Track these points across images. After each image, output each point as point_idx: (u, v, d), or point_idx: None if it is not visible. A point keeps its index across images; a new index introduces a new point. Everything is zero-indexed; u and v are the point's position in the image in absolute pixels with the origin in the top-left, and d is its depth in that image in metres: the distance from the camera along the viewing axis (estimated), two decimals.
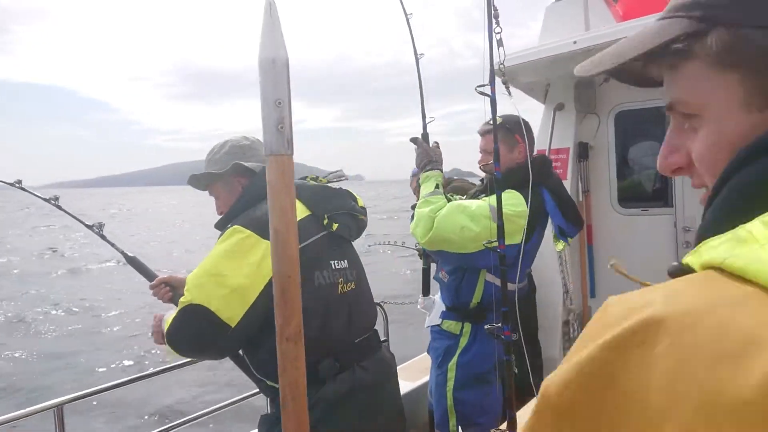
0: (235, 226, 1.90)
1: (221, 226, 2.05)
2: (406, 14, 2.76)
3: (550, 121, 4.00)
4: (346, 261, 2.12)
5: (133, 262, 2.41)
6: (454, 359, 2.75)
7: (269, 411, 2.22)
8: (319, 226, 2.07)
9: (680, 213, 3.73)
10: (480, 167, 2.86)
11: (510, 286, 2.42)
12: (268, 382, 1.99)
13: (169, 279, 2.31)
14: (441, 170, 2.72)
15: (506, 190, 2.49)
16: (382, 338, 3.51)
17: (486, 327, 2.24)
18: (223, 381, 7.79)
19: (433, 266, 3.03)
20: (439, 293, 3.00)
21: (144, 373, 2.74)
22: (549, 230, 3.70)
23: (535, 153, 3.03)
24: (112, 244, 2.47)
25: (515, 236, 2.44)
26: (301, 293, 1.89)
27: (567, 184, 3.91)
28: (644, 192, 4.09)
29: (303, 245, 1.92)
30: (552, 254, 3.72)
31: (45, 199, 2.50)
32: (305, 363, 1.92)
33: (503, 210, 2.25)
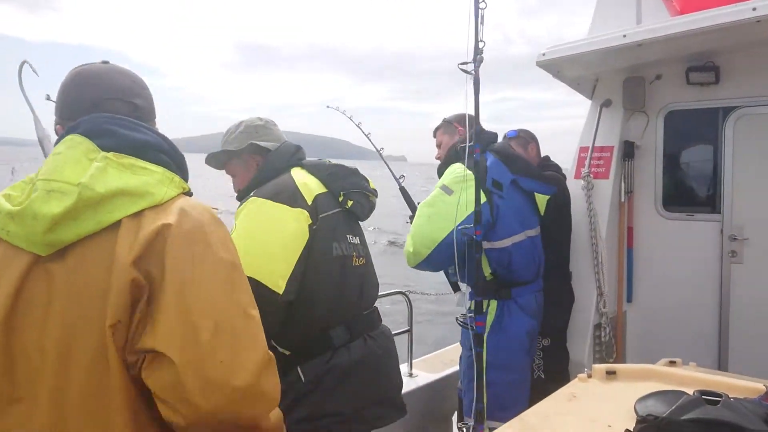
0: (257, 198, 1.99)
1: (242, 197, 2.14)
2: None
3: (596, 118, 3.86)
4: (357, 238, 2.23)
5: None
6: (484, 338, 2.74)
7: None
8: (336, 202, 2.17)
9: (728, 220, 3.55)
10: (435, 158, 3.20)
11: (497, 245, 2.80)
12: (280, 350, 2.03)
13: None
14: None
15: (450, 165, 2.85)
16: (406, 327, 3.50)
17: (457, 317, 2.50)
18: None
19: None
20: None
21: None
22: (583, 230, 3.61)
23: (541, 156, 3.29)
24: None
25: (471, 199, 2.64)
26: (321, 262, 1.98)
27: (609, 183, 3.78)
28: (691, 196, 3.90)
29: (324, 215, 2.07)
30: (587, 255, 3.61)
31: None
32: (318, 330, 1.98)
33: (448, 180, 2.70)
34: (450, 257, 2.69)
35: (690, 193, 3.91)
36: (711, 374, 1.97)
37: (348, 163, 2.38)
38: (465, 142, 2.76)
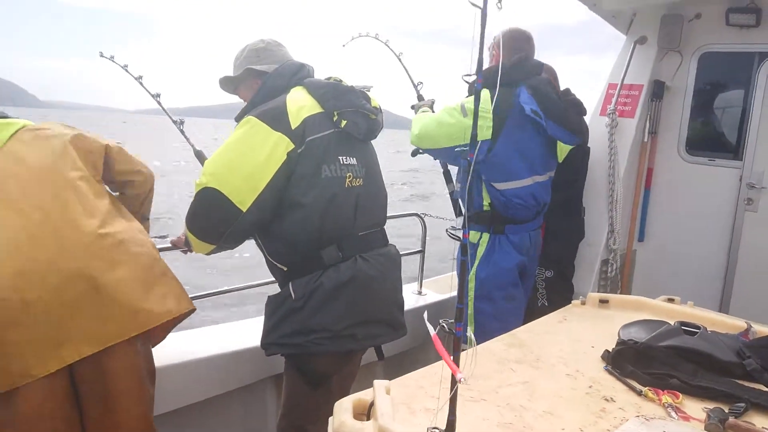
0: (249, 117, 2.05)
1: (238, 119, 2.17)
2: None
3: (629, 55, 3.80)
4: (354, 158, 2.21)
5: (199, 155, 2.62)
6: (473, 271, 2.88)
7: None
8: (330, 122, 2.15)
9: (748, 168, 3.55)
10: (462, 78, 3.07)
11: (498, 186, 2.84)
12: (278, 265, 2.16)
13: None
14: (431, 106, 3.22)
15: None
16: (418, 248, 3.64)
17: (447, 228, 2.63)
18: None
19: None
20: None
21: None
22: (602, 167, 3.64)
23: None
24: (184, 134, 2.70)
25: (484, 131, 2.71)
26: (308, 184, 2.05)
27: (633, 123, 3.78)
28: (715, 141, 3.88)
29: (311, 138, 2.07)
30: (603, 192, 3.66)
31: (173, 121, 2.73)
32: (308, 249, 2.08)
33: (467, 105, 2.64)
34: (446, 159, 3.03)
35: (714, 138, 3.89)
36: (700, 311, 2.08)
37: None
38: (498, 66, 2.85)
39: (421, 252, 3.67)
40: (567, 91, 3.07)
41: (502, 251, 2.87)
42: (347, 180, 2.15)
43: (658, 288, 2.78)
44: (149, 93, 2.65)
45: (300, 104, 2.10)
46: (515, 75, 2.82)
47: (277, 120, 2.03)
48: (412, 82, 3.42)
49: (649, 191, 3.96)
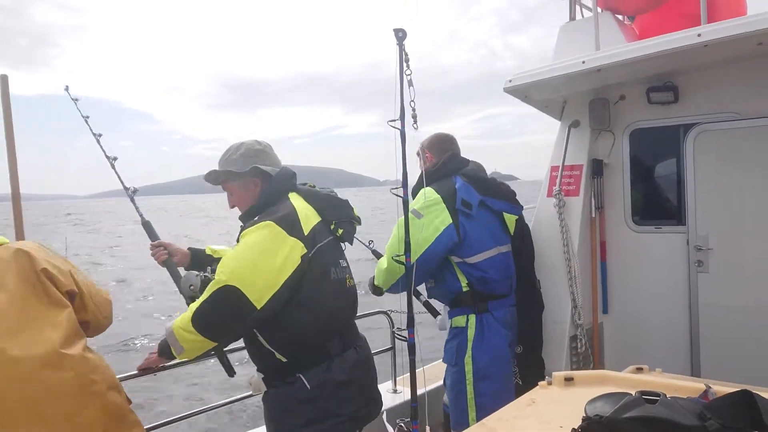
0: (268, 222, 2.21)
1: (246, 218, 2.38)
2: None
3: (565, 138, 4.04)
4: (345, 262, 2.47)
5: (147, 225, 2.69)
6: (468, 353, 2.94)
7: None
8: (329, 230, 2.41)
9: (693, 231, 3.72)
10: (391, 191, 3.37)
11: (470, 260, 2.98)
12: (277, 355, 2.26)
13: (168, 244, 2.66)
14: None
15: (420, 191, 3.01)
16: (389, 346, 3.64)
17: (393, 330, 2.84)
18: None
19: (423, 290, 3.27)
20: (442, 306, 3.17)
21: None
22: (556, 245, 3.77)
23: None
24: (133, 202, 2.70)
25: (442, 217, 2.91)
26: (319, 285, 2.27)
27: (579, 200, 3.96)
28: (658, 209, 4.09)
29: (320, 245, 2.31)
30: (561, 270, 3.77)
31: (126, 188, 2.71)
32: (316, 342, 2.27)
33: (419, 205, 2.89)
34: (424, 274, 2.94)
35: (657, 206, 4.10)
36: (663, 377, 2.12)
37: (343, 190, 2.56)
38: (433, 167, 3.08)
39: (392, 348, 3.66)
40: (494, 177, 3.36)
41: (491, 330, 2.97)
42: (347, 281, 2.42)
43: (630, 358, 2.83)
44: (107, 156, 2.67)
45: (305, 213, 2.32)
46: (450, 168, 3.13)
47: (292, 226, 2.23)
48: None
49: (606, 264, 4.10)
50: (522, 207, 3.36)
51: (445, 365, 3.14)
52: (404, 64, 1.02)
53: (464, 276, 2.99)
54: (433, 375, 3.88)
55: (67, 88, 2.71)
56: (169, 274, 2.57)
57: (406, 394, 3.54)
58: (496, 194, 3.17)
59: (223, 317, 2.15)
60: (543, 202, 3.97)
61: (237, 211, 2.51)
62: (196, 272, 2.45)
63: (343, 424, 2.28)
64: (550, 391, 2.06)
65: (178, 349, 2.23)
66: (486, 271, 2.99)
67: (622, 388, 1.95)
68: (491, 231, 3.11)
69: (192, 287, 2.38)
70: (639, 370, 2.26)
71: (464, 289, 2.99)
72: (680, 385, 1.97)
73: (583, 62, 3.37)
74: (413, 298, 2.78)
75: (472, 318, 2.98)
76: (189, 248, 2.72)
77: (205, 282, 2.34)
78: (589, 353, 3.80)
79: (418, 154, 3.32)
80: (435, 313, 3.26)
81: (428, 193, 2.96)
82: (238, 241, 2.31)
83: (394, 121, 1.14)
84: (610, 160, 4.05)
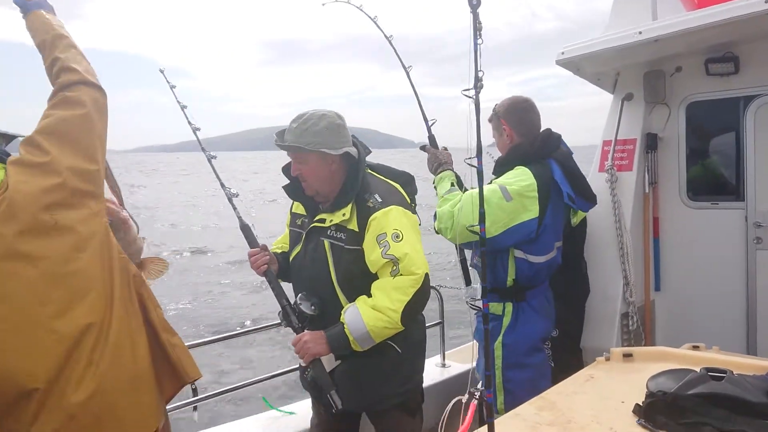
0: (397, 207, 2.35)
1: (341, 199, 2.39)
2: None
3: (618, 112, 3.94)
4: None
5: (245, 229, 2.59)
6: (500, 339, 2.86)
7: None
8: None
9: (752, 207, 3.60)
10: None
11: (533, 259, 2.81)
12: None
13: (269, 252, 2.57)
14: (452, 170, 2.99)
15: (515, 167, 2.81)
16: (438, 320, 3.65)
17: (467, 300, 2.58)
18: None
19: (468, 254, 3.11)
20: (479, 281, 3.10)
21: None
22: (608, 221, 3.70)
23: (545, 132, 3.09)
24: (234, 207, 2.59)
25: (531, 209, 2.69)
26: None
27: (632, 175, 3.87)
28: (715, 185, 3.96)
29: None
30: (612, 246, 3.71)
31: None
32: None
33: (513, 187, 2.68)
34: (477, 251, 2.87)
35: (713, 182, 3.97)
36: (726, 355, 2.08)
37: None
38: (530, 146, 2.88)
39: (441, 323, 3.68)
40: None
41: (526, 318, 2.86)
42: None
43: (682, 336, 2.78)
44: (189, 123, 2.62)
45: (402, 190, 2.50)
46: (546, 150, 2.89)
47: (408, 206, 2.44)
48: (425, 117, 3.15)
49: (659, 240, 4.01)
50: (595, 202, 3.17)
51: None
52: (477, 33, 1.01)
53: (515, 271, 2.85)
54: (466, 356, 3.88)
55: (162, 71, 2.72)
56: (269, 284, 2.49)
57: (454, 369, 3.57)
58: (586, 196, 3.00)
59: (422, 306, 2.34)
60: (594, 178, 3.90)
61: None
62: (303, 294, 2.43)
63: (420, 383, 2.59)
64: (609, 366, 2.05)
65: (367, 345, 2.28)
66: (540, 271, 2.88)
67: (682, 365, 1.93)
68: (558, 229, 2.95)
69: (313, 306, 2.37)
70: (695, 347, 2.22)
71: (509, 285, 2.87)
72: (744, 363, 1.93)
73: (640, 33, 3.26)
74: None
75: (509, 306, 2.88)
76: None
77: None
78: (640, 331, 3.74)
79: (490, 120, 3.07)
80: (469, 281, 3.18)
81: (525, 176, 2.75)
82: (291, 213, 2.54)
83: (468, 90, 1.13)
84: (665, 134, 3.93)
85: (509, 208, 2.66)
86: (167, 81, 2.61)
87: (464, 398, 1.00)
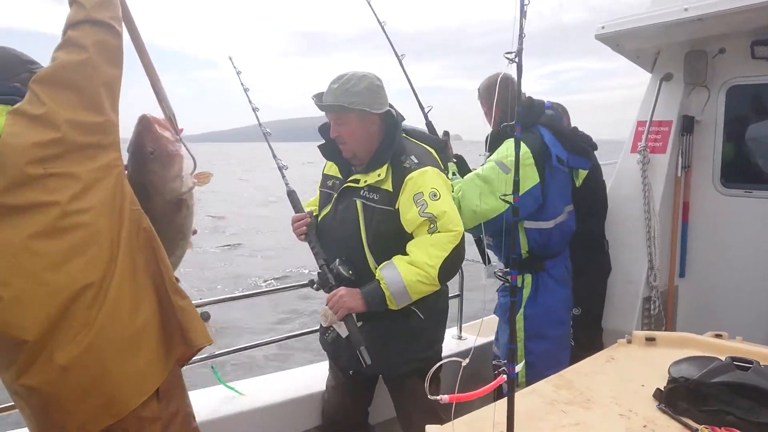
0: (433, 168, 2.35)
1: (379, 158, 2.37)
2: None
3: (655, 92, 3.83)
4: None
5: (291, 195, 2.61)
6: (521, 311, 2.87)
7: None
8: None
9: None
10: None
11: (542, 225, 2.83)
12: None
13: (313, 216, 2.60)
14: (452, 159, 3.00)
15: (505, 141, 2.80)
16: (457, 292, 3.64)
17: (495, 271, 2.64)
18: None
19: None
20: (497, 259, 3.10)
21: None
22: (637, 203, 3.63)
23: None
24: (283, 176, 2.64)
25: (531, 176, 2.72)
26: None
27: (665, 158, 3.77)
28: (751, 172, 3.84)
29: None
30: (639, 229, 3.64)
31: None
32: None
33: (510, 158, 2.64)
34: (487, 229, 2.81)
35: (750, 169, 3.85)
36: (751, 345, 2.04)
37: None
38: (504, 118, 2.84)
39: (460, 296, 3.67)
40: (575, 129, 3.15)
41: (546, 289, 2.89)
42: None
43: (703, 324, 2.73)
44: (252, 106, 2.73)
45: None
46: (530, 118, 2.88)
47: (442, 170, 2.44)
48: (420, 104, 3.13)
49: (687, 225, 3.93)
50: (593, 158, 3.17)
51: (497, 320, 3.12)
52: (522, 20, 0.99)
53: (527, 242, 2.87)
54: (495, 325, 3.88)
55: (230, 58, 2.83)
56: (310, 246, 2.50)
57: (470, 342, 3.57)
58: (580, 151, 2.99)
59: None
60: (626, 159, 3.81)
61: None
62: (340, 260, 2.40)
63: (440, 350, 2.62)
64: (630, 349, 2.02)
65: (402, 302, 2.27)
66: (552, 236, 2.87)
67: (705, 353, 1.90)
68: (564, 192, 2.96)
69: (351, 271, 2.35)
70: (718, 336, 2.18)
71: (524, 256, 2.88)
72: None
73: (686, 9, 3.14)
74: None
75: (528, 278, 2.89)
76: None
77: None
78: (662, 316, 3.69)
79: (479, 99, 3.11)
80: (486, 260, 3.17)
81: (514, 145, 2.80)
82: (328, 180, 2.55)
83: (510, 53, 1.09)
84: (703, 117, 3.82)
85: (509, 179, 2.65)
86: (234, 67, 2.74)
87: (465, 362, 0.98)
